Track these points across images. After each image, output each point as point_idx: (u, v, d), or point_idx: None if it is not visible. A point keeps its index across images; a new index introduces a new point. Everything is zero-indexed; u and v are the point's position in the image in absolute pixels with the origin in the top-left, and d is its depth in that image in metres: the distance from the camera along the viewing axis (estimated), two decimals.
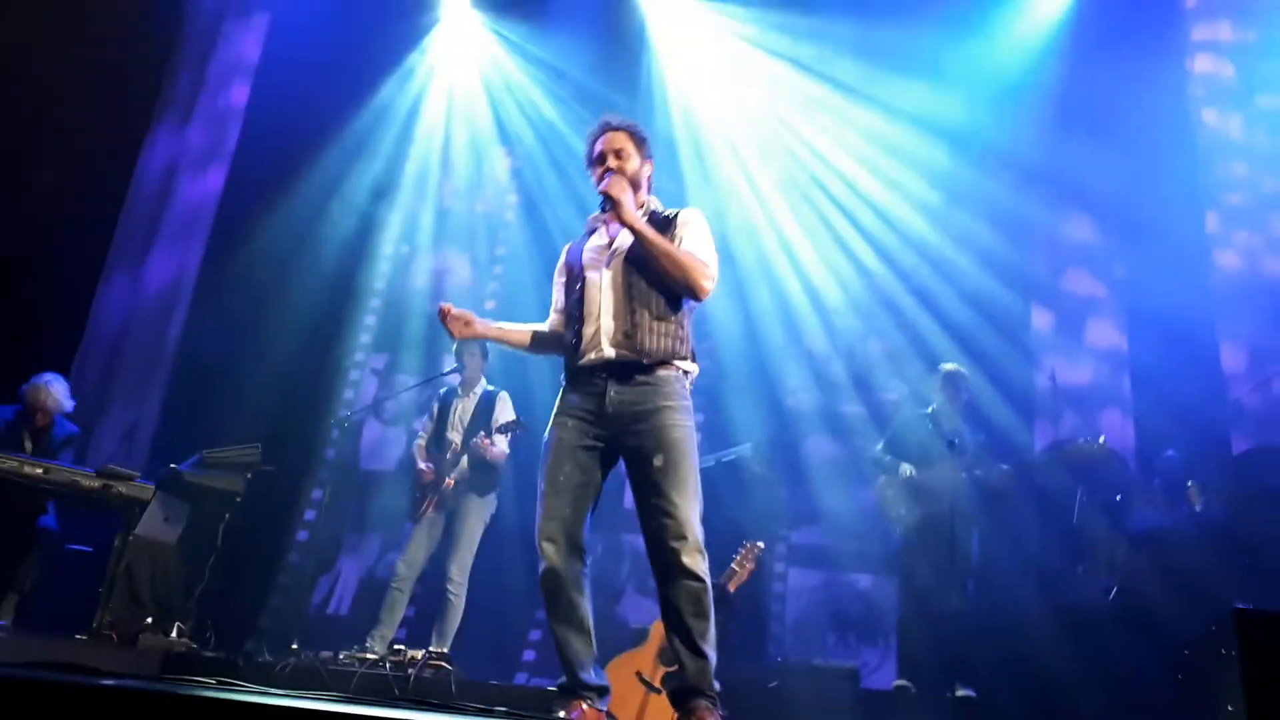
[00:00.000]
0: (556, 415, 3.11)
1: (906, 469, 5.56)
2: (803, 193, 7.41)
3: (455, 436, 5.90)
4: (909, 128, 7.17)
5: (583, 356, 3.07)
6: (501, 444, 5.76)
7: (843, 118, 7.42)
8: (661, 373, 2.98)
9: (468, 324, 3.10)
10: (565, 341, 3.17)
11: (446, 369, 6.05)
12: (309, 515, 7.34)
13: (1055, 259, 7.10)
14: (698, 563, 2.82)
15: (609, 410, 2.98)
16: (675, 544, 2.79)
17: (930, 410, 5.81)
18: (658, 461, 2.86)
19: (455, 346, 6.04)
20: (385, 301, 8.08)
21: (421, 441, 6.10)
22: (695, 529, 2.82)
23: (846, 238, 7.22)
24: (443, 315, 3.07)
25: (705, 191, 7.39)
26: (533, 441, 5.57)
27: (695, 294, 3.06)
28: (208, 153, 8.14)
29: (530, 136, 8.14)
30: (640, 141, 3.26)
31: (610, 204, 3.06)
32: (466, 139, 8.31)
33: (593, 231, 3.32)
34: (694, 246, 3.11)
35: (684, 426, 2.95)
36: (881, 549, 6.23)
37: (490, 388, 6.09)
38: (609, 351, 3.01)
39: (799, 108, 7.54)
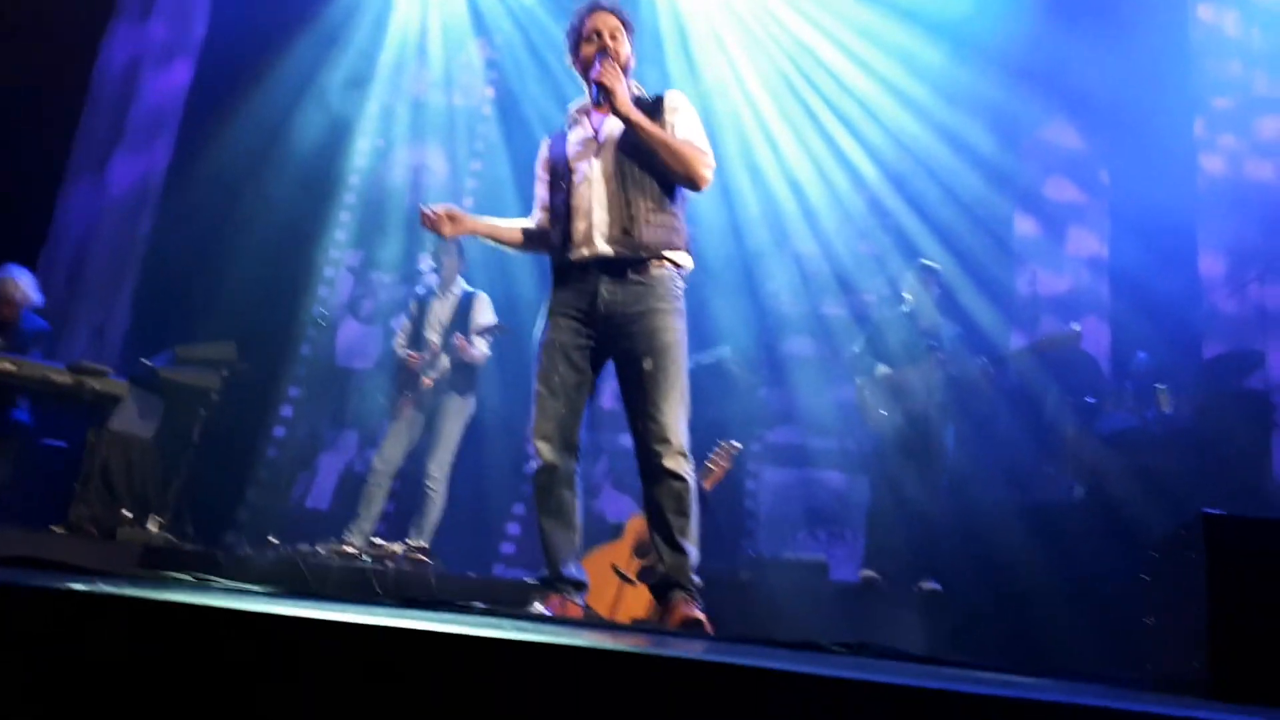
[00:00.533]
0: (548, 313, 3.06)
1: (882, 369, 5.56)
2: (789, 87, 7.31)
3: (434, 337, 5.80)
4: (900, 21, 7.04)
5: (573, 252, 3.02)
6: (481, 346, 5.71)
7: (832, 9, 7.26)
8: (655, 271, 2.94)
9: (455, 220, 3.05)
10: (552, 239, 3.11)
11: (423, 268, 6.21)
12: (286, 412, 7.33)
13: (1041, 164, 7.08)
14: (681, 465, 2.87)
15: (601, 310, 2.96)
16: (659, 447, 2.84)
17: (907, 308, 5.74)
18: (647, 365, 2.86)
19: (432, 247, 6.01)
20: (360, 198, 7.91)
21: (401, 340, 6.00)
22: (680, 434, 2.86)
23: (833, 134, 7.14)
24: (426, 220, 3.02)
25: (689, 84, 7.16)
26: (514, 341, 5.68)
27: (695, 184, 3.00)
28: (171, 47, 7.87)
29: (508, 24, 7.92)
30: (629, 26, 3.16)
31: (604, 94, 2.97)
32: (441, 27, 8.02)
33: (575, 124, 3.23)
34: (688, 134, 3.05)
35: (676, 330, 2.93)
36: (857, 447, 6.31)
37: (468, 289, 5.99)
38: (603, 247, 2.96)
39: None
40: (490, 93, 7.99)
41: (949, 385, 5.42)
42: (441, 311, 5.86)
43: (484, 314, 5.87)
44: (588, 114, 3.19)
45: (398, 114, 8.01)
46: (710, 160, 3.01)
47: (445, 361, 5.71)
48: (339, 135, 7.84)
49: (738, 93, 7.35)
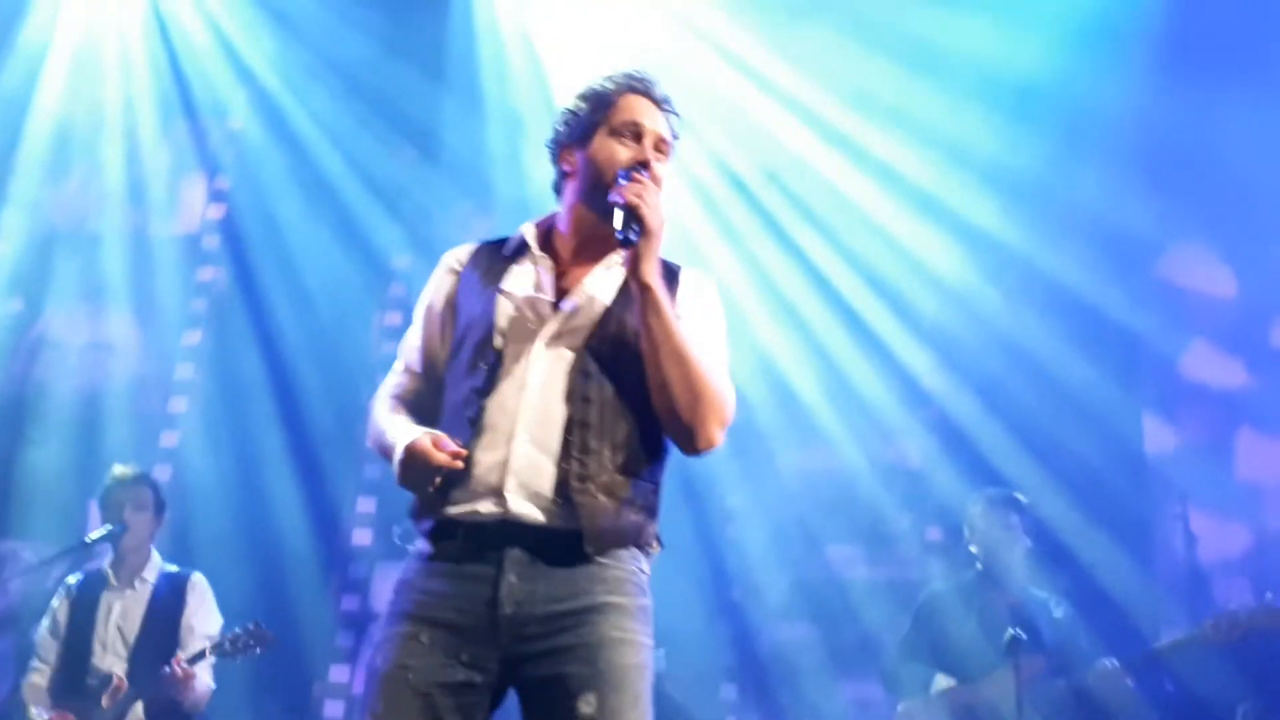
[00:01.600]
0: (399, 615, 2.79)
1: (941, 682, 5.54)
2: (747, 196, 7.01)
3: (114, 664, 5.47)
4: (936, 86, 6.75)
5: (463, 501, 2.75)
6: (206, 676, 5.40)
7: (825, 70, 6.89)
8: (606, 556, 2.74)
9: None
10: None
11: (90, 535, 5.52)
12: None
13: (1175, 318, 6.68)
14: None
15: (504, 611, 2.70)
16: None
17: (976, 569, 5.56)
18: (585, 708, 2.67)
19: (104, 491, 5.56)
20: None
21: (39, 680, 5.61)
22: None
23: (832, 274, 6.81)
24: (427, 458, 2.79)
25: None
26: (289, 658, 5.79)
27: (695, 442, 2.79)
28: None
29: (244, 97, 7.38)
30: (675, 142, 2.99)
31: (635, 232, 2.70)
32: (123, 97, 7.49)
33: (514, 259, 2.91)
34: (714, 355, 2.85)
35: (637, 644, 2.72)
36: None
37: (170, 567, 5.57)
38: (520, 508, 2.69)
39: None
40: (217, 212, 7.56)
41: (1056, 702, 5.40)
42: (124, 613, 5.57)
43: (206, 613, 5.58)
44: (546, 251, 2.90)
45: (55, 255, 7.37)
46: (731, 410, 2.82)
47: (139, 712, 5.45)
48: None
49: (691, 203, 6.94)
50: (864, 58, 6.87)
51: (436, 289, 3.12)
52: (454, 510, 2.84)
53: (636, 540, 2.89)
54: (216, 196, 7.68)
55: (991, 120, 6.70)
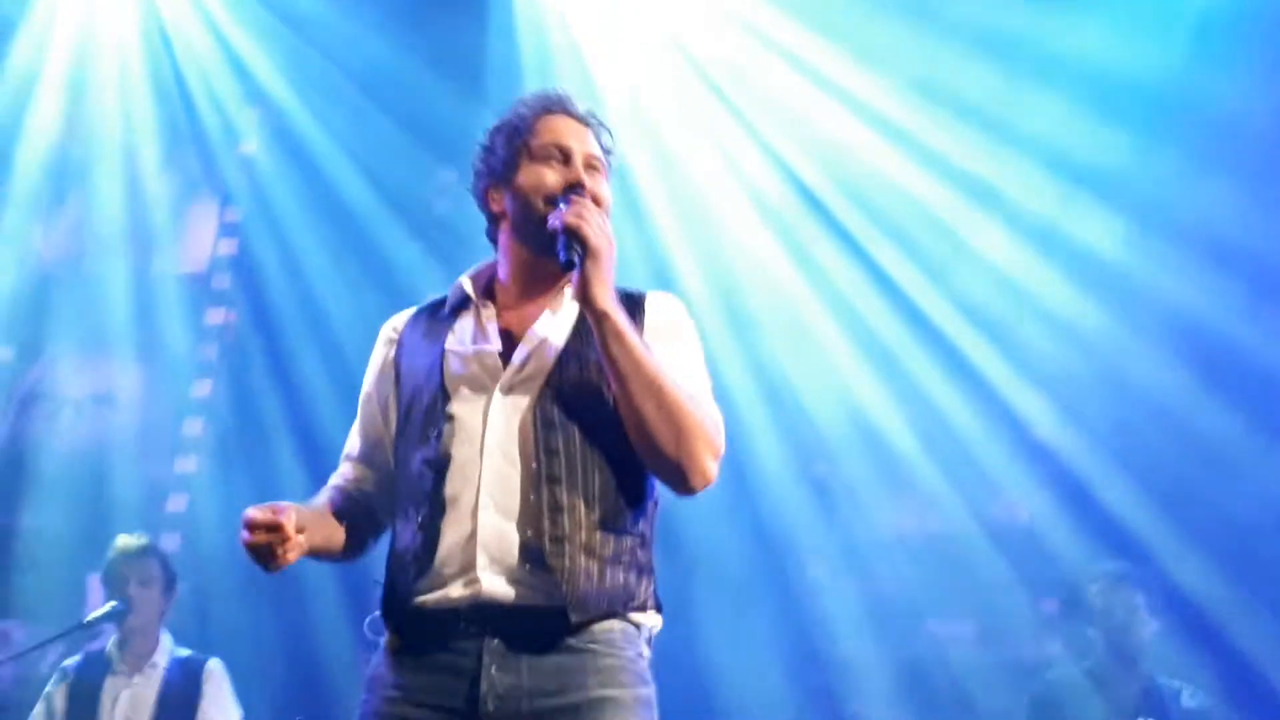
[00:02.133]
0: (374, 715, 2.76)
1: None
2: (855, 233, 6.50)
3: None
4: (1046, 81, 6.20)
5: (432, 589, 2.74)
6: None
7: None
8: (599, 627, 2.75)
9: (300, 528, 2.68)
10: (396, 538, 2.86)
11: (91, 614, 5.35)
12: None
13: None
14: None
15: (487, 708, 2.68)
16: None
17: (1095, 658, 5.31)
18: None
19: (108, 565, 5.38)
20: None
21: None
22: None
23: (933, 313, 6.32)
24: (258, 532, 2.64)
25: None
26: None
27: (688, 479, 2.78)
28: None
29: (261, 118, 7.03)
30: (609, 157, 3.00)
31: (579, 255, 2.74)
32: (121, 132, 7.07)
33: (458, 312, 2.96)
34: (692, 382, 2.84)
35: None
36: None
37: (183, 651, 5.42)
38: (494, 587, 2.72)
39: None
40: (228, 248, 7.22)
41: None
42: (133, 706, 5.44)
43: (224, 706, 5.47)
44: (490, 300, 2.96)
45: (49, 296, 7.01)
46: (722, 439, 2.83)
47: None
48: None
49: (761, 226, 6.47)
50: (959, 62, 6.53)
51: (375, 363, 3.09)
52: (424, 599, 2.77)
53: (627, 603, 2.82)
54: (227, 230, 7.39)
55: (1110, 133, 6.28)
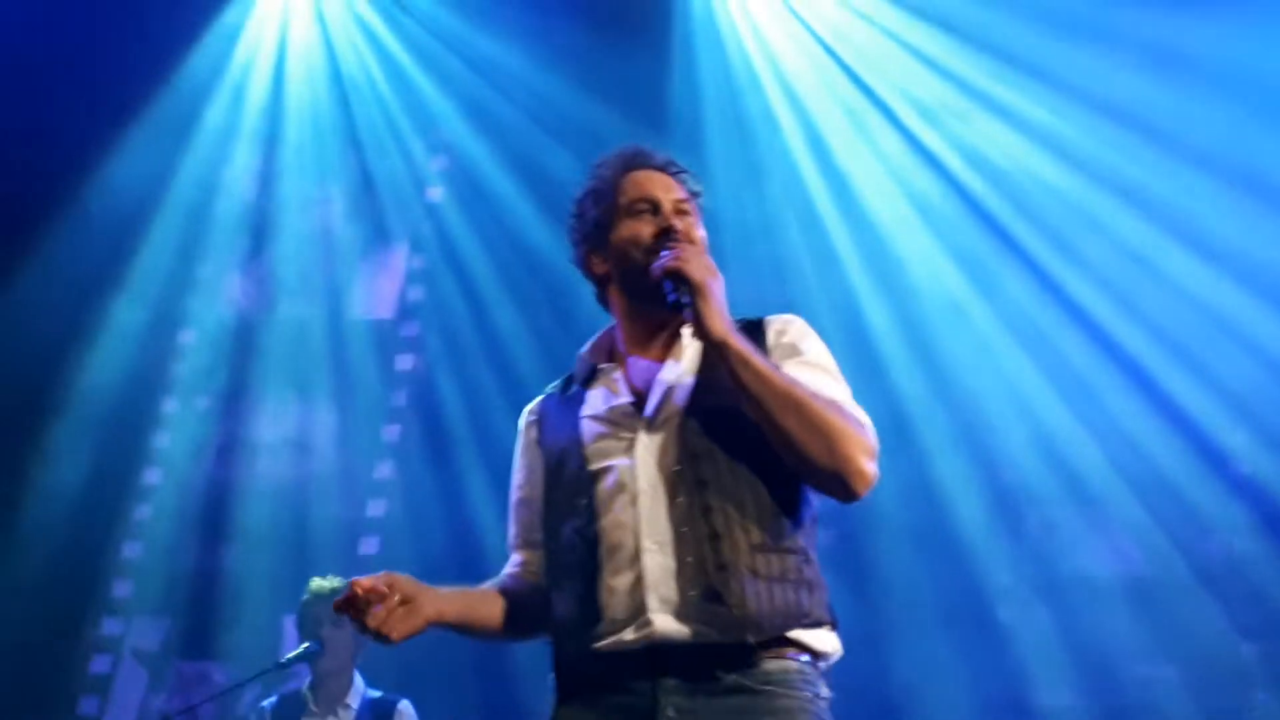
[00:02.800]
0: None
1: None
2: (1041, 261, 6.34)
3: None
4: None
5: (605, 635, 2.71)
6: None
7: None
8: (774, 665, 2.70)
9: (408, 602, 2.68)
10: (556, 612, 2.84)
11: (288, 655, 5.35)
12: None
13: None
14: None
15: None
16: None
17: None
18: None
19: (303, 607, 5.42)
20: (159, 508, 7.03)
21: None
22: None
23: (1124, 340, 6.08)
24: (353, 603, 2.66)
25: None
26: None
27: (848, 484, 2.73)
28: None
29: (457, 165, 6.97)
30: (698, 198, 3.02)
31: (679, 302, 2.74)
32: (311, 183, 7.18)
33: (589, 383, 2.98)
34: (828, 388, 2.81)
35: None
36: None
37: (374, 693, 5.45)
38: (669, 626, 2.70)
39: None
40: (416, 294, 7.22)
41: None
42: None
43: None
44: (617, 361, 2.99)
45: (243, 344, 7.05)
46: (872, 436, 2.76)
47: None
48: (132, 390, 6.99)
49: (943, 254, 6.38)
50: (1142, 82, 6.36)
51: (519, 449, 3.13)
52: (600, 642, 2.77)
53: (801, 620, 2.79)
54: (415, 277, 7.45)
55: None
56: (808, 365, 2.85)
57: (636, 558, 2.77)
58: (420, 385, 7.14)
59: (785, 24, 6.86)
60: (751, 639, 2.67)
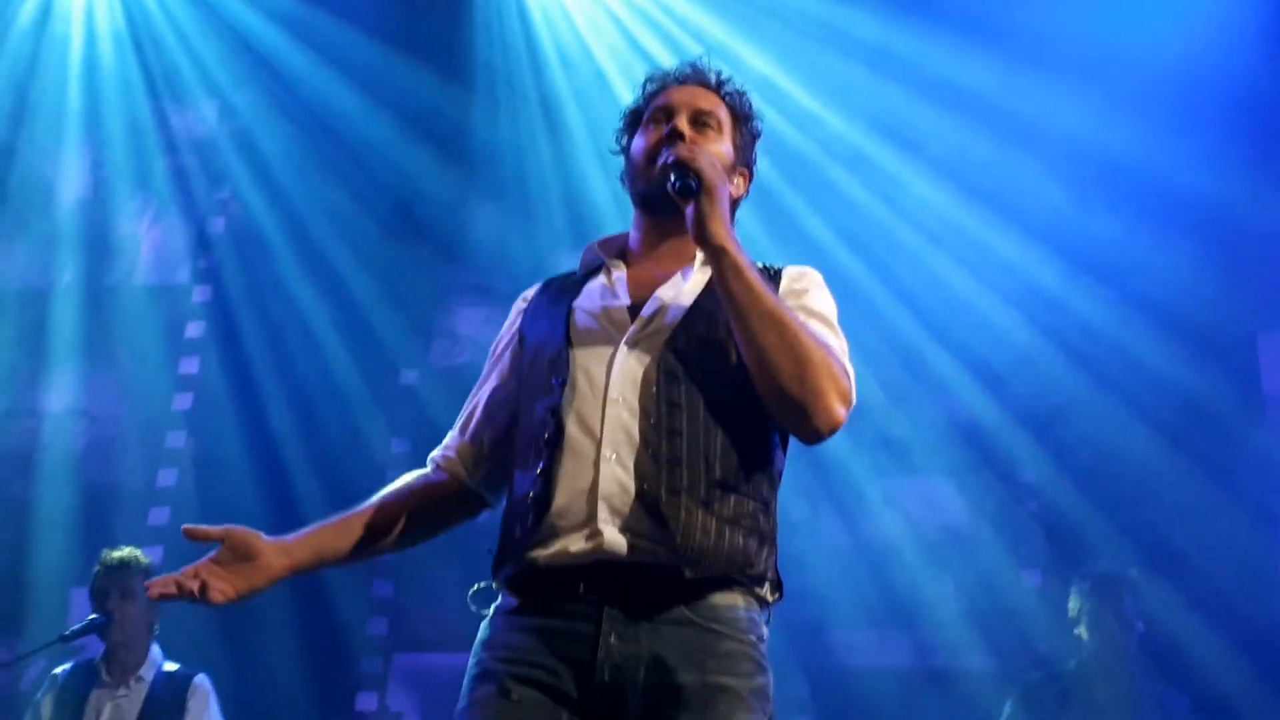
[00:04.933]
0: (483, 675, 2.73)
1: None
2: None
3: None
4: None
5: (549, 543, 2.70)
6: None
7: None
8: (720, 600, 2.68)
9: (249, 563, 2.69)
10: (516, 485, 2.81)
11: (74, 626, 5.40)
12: None
13: None
14: None
15: (602, 678, 2.65)
16: None
17: (1077, 659, 5.48)
18: None
19: (92, 579, 5.44)
20: None
21: None
22: None
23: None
24: (186, 585, 2.60)
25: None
26: None
27: (812, 419, 2.67)
28: None
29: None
30: (744, 119, 2.97)
31: (687, 185, 2.69)
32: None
33: (584, 278, 2.96)
34: (822, 328, 2.78)
35: None
36: None
37: (170, 666, 5.43)
38: (615, 541, 2.66)
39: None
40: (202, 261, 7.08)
41: None
42: (114, 717, 5.43)
43: None
44: (628, 262, 2.95)
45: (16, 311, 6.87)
46: (851, 384, 2.73)
47: None
48: None
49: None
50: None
51: (504, 331, 3.09)
52: (541, 553, 2.72)
53: (745, 569, 2.74)
54: (205, 242, 7.42)
55: None
56: (810, 312, 2.83)
57: (595, 463, 2.75)
58: (210, 352, 7.12)
59: None
60: (689, 573, 2.65)
